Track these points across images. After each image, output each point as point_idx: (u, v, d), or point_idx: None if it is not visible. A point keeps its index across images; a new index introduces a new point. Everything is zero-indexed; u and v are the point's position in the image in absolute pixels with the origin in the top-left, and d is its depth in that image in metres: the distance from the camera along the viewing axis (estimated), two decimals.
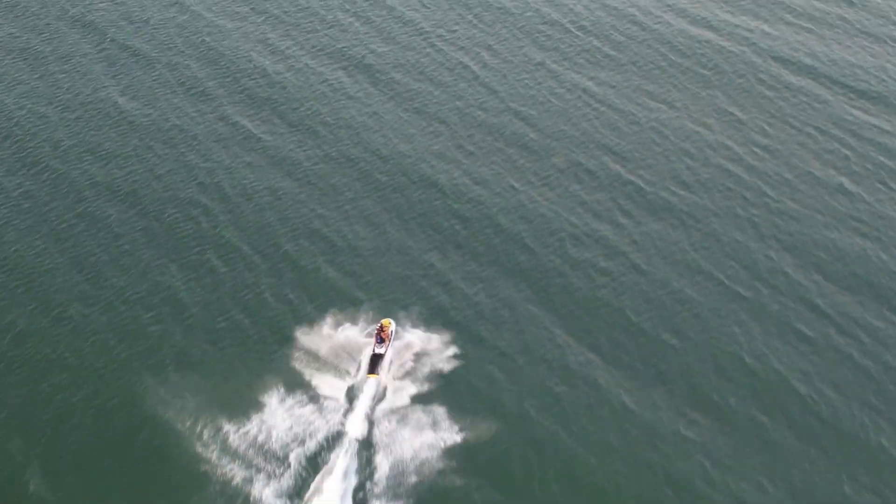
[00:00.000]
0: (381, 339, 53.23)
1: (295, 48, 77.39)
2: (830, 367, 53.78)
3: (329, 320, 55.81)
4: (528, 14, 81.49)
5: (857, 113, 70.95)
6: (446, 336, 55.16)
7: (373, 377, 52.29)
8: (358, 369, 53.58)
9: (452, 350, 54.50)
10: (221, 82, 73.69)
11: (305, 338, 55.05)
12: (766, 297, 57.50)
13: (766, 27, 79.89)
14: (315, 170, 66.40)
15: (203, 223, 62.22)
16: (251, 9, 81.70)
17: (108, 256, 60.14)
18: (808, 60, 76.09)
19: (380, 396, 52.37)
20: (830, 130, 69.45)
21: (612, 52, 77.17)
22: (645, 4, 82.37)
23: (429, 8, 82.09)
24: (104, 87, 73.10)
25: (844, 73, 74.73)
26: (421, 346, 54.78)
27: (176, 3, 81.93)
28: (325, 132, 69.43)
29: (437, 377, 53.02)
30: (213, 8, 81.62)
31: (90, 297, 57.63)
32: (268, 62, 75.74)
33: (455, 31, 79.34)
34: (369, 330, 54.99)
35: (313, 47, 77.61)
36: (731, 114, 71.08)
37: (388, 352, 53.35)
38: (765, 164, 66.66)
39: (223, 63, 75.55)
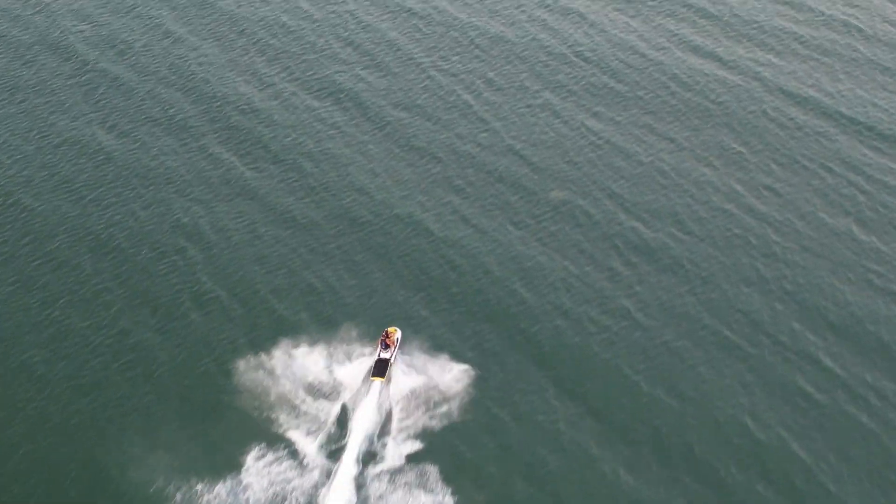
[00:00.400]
0: (385, 346, 52.57)
1: (284, 75, 74.52)
2: (838, 433, 50.66)
3: (306, 369, 53.08)
4: (527, 41, 78.50)
5: (869, 152, 67.74)
6: (430, 390, 52.31)
7: (377, 380, 51.36)
8: (339, 416, 51.23)
9: (438, 405, 51.78)
10: (206, 112, 70.82)
11: (283, 388, 52.38)
12: (770, 352, 54.45)
13: (774, 58, 76.70)
14: (299, 207, 63.52)
15: (180, 264, 59.43)
16: (240, 32, 78.91)
17: (78, 299, 57.40)
18: (818, 95, 72.91)
19: (384, 404, 51.21)
20: (841, 171, 66.28)
21: (614, 84, 74.13)
22: (648, 34, 79.32)
23: (425, 34, 79.22)
24: (84, 114, 70.38)
25: (856, 109, 71.51)
26: (405, 399, 52.11)
27: (162, 27, 79.17)
28: (311, 167, 66.53)
29: (425, 434, 50.28)
30: (200, 32, 78.81)
31: (57, 342, 54.88)
32: (255, 92, 72.84)
33: (451, 60, 76.44)
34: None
35: (303, 73, 74.75)
36: (737, 151, 68.00)
37: (395, 358, 52.56)
38: (771, 208, 63.52)
39: (208, 92, 72.70)
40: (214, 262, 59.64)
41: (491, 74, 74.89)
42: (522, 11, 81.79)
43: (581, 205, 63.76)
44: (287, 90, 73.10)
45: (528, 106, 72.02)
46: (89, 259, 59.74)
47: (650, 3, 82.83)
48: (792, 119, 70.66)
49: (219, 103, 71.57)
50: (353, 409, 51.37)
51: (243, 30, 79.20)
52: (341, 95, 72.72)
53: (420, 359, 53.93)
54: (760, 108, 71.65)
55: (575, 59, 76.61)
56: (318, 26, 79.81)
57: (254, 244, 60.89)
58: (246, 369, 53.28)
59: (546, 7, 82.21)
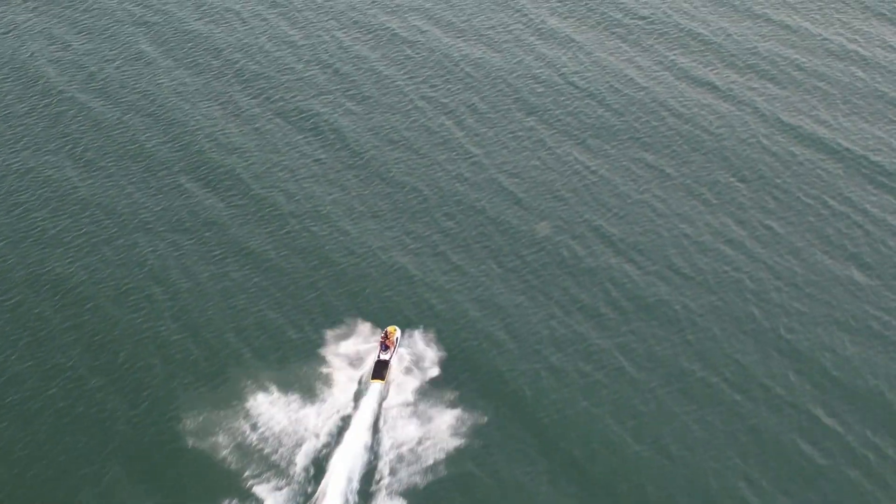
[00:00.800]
0: (385, 347, 51.67)
1: (261, 102, 71.33)
2: (836, 496, 47.57)
3: (275, 417, 50.38)
4: (516, 66, 75.38)
5: (871, 187, 64.43)
6: (408, 443, 49.48)
7: (377, 382, 50.47)
8: (312, 468, 48.57)
9: (414, 460, 48.99)
10: (178, 141, 67.62)
11: (252, 438, 49.67)
12: (764, 405, 51.39)
13: (771, 86, 73.49)
14: (272, 243, 60.39)
15: (144, 305, 56.39)
16: (216, 55, 75.76)
17: (36, 341, 54.37)
18: (816, 125, 69.69)
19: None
20: (841, 207, 62.98)
21: (604, 112, 70.92)
22: (640, 59, 76.16)
23: (409, 57, 76.18)
24: (50, 142, 67.25)
25: (856, 140, 68.41)
26: (379, 463, 49.32)
27: (136, 50, 75.98)
28: (285, 200, 63.39)
29: (400, 492, 47.59)
30: (176, 54, 75.63)
31: (9, 389, 51.86)
32: (231, 120, 69.55)
33: (436, 86, 73.34)
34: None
35: (282, 98, 71.66)
36: (732, 185, 64.84)
37: (394, 358, 51.66)
38: (767, 247, 60.36)
39: (181, 119, 69.51)
40: (181, 303, 56.68)
41: (477, 101, 71.86)
42: (511, 33, 78.80)
43: (567, 242, 60.75)
44: (264, 117, 70.03)
45: (515, 135, 68.96)
46: (49, 299, 56.77)
47: (642, 26, 79.90)
48: (789, 150, 67.59)
49: (192, 131, 68.53)
50: (328, 459, 48.82)
51: (221, 53, 76.12)
52: (321, 123, 69.67)
53: (392, 424, 50.85)
54: (756, 139, 68.59)
55: (564, 85, 73.50)
56: (299, 50, 76.78)
57: (223, 283, 57.92)
58: (211, 419, 50.41)
59: (535, 31, 79.17)
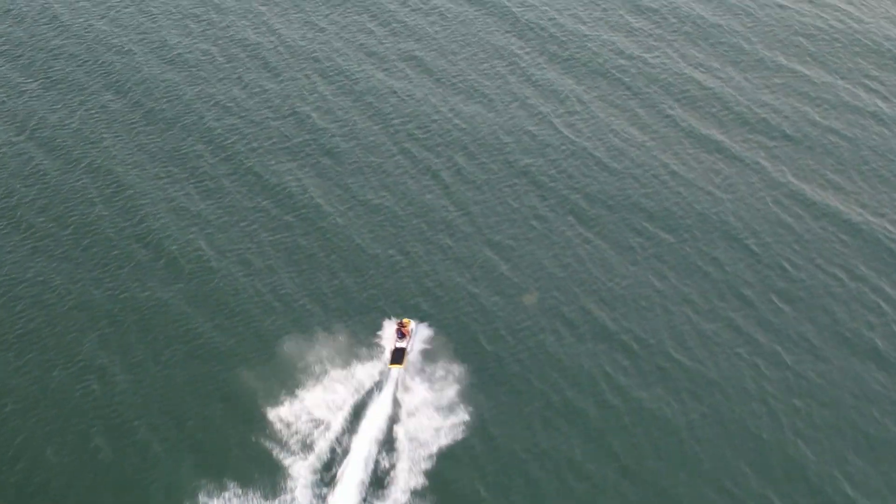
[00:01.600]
0: (401, 335, 52.80)
1: (226, 152, 65.62)
2: None
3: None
4: (505, 118, 69.24)
5: (894, 264, 58.44)
6: None
7: (396, 367, 51.79)
8: None
9: None
10: (129, 204, 61.95)
11: None
12: None
13: (783, 145, 67.01)
14: (228, 333, 54.39)
15: (74, 400, 50.89)
16: (177, 100, 70.01)
17: None
18: (832, 191, 63.55)
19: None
20: (859, 287, 56.67)
21: (600, 172, 64.54)
22: (642, 114, 69.60)
23: (400, 97, 70.23)
24: None
25: (876, 209, 62.18)
26: None
27: (87, 89, 70.30)
28: (243, 277, 57.45)
29: None
30: (133, 97, 70.01)
31: None
32: (190, 180, 63.67)
33: (429, 129, 67.48)
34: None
35: (246, 150, 65.87)
36: (739, 259, 58.58)
37: (410, 347, 53.08)
38: (777, 336, 53.98)
39: (136, 183, 63.86)
40: (117, 391, 51.46)
41: (461, 158, 65.73)
42: (506, 82, 72.57)
43: (554, 325, 54.72)
44: (226, 174, 64.21)
45: (500, 193, 63.01)
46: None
47: (642, 68, 73.71)
48: (800, 218, 61.16)
49: (145, 188, 62.93)
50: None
51: (183, 98, 70.15)
52: (288, 179, 63.73)
53: None
54: (764, 204, 62.23)
55: (556, 137, 67.36)
56: (272, 99, 70.56)
57: (165, 370, 52.43)
58: None
59: (527, 79, 72.80)
